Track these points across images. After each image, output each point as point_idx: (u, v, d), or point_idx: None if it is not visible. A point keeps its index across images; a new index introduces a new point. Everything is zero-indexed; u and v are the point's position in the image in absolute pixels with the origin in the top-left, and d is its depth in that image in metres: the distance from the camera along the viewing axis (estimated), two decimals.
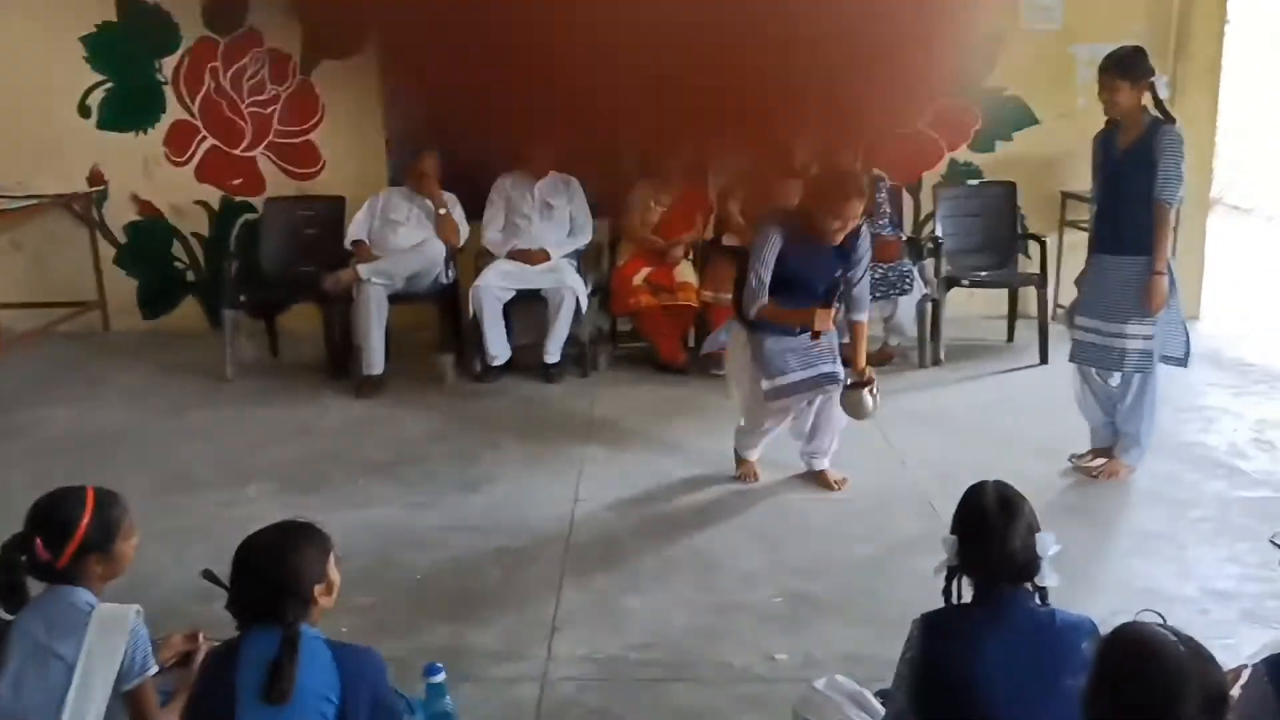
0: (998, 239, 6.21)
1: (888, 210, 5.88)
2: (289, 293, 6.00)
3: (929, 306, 5.76)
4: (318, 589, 2.09)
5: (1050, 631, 2.09)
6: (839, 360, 4.01)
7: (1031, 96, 6.45)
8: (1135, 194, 3.92)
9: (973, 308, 6.37)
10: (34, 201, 6.33)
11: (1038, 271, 5.97)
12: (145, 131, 6.57)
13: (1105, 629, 2.14)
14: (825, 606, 3.30)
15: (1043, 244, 6.04)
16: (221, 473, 4.45)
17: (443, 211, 5.78)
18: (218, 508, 4.07)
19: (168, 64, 6.49)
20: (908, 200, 6.42)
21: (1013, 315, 6.21)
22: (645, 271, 5.72)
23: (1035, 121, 6.48)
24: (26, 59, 6.40)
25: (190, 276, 6.78)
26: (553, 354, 5.62)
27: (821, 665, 2.92)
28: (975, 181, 6.45)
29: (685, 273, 5.73)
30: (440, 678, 2.62)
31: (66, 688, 2.16)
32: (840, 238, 3.84)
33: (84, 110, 6.53)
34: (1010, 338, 6.17)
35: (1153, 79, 3.91)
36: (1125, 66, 3.91)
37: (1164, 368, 4.14)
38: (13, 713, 2.16)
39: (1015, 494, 2.18)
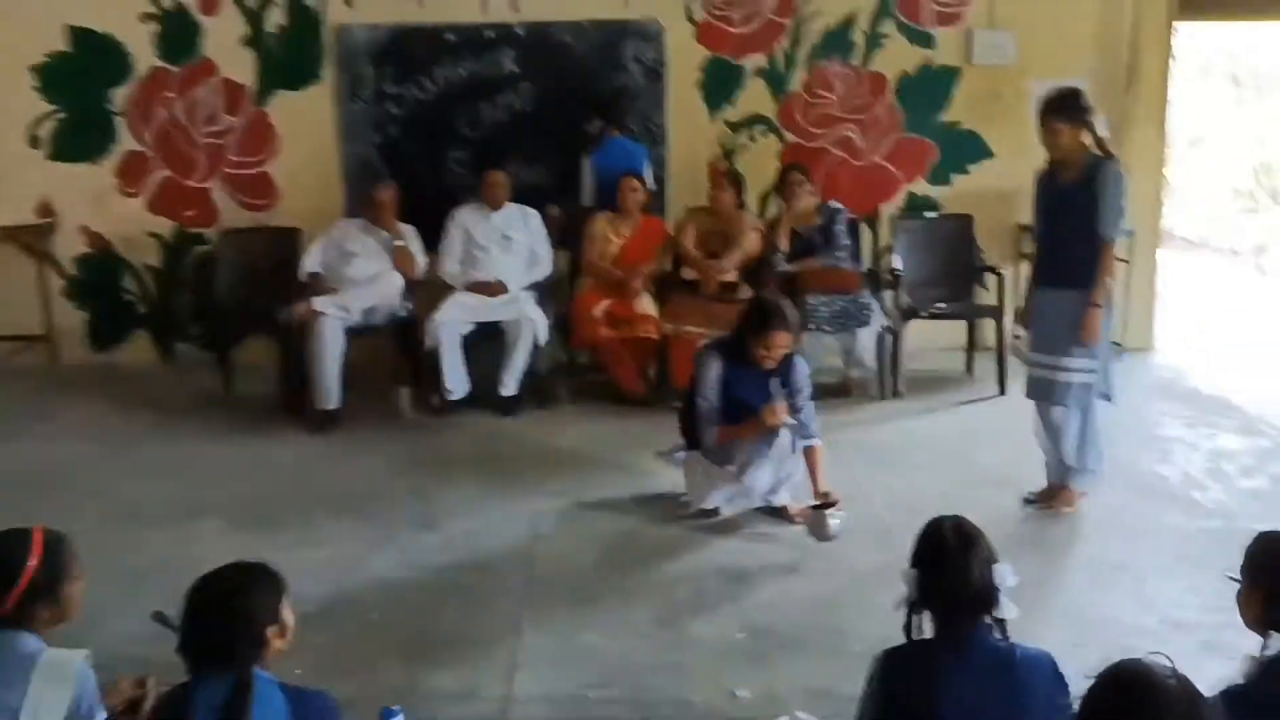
0: (955, 271, 6.27)
1: (846, 243, 5.92)
2: (243, 326, 5.92)
3: (888, 338, 5.79)
4: (271, 631, 2.04)
5: (1010, 665, 2.10)
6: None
7: (987, 131, 6.56)
8: (1077, 229, 3.97)
9: (931, 339, 6.42)
10: None
11: (995, 303, 6.03)
12: (96, 162, 6.48)
13: (1065, 662, 2.15)
14: (787, 641, 3.27)
15: (1000, 276, 6.11)
16: (172, 510, 4.35)
17: (400, 243, 5.73)
18: (169, 547, 3.97)
19: (120, 94, 6.42)
20: (866, 233, 6.48)
21: (971, 347, 6.27)
22: (605, 304, 5.71)
23: (990, 155, 6.58)
24: None
25: (142, 309, 6.67)
26: (511, 387, 5.58)
27: (784, 701, 2.90)
28: (932, 214, 6.53)
29: (645, 305, 5.72)
30: None
31: None
32: (771, 364, 4.00)
33: (33, 141, 6.43)
34: (969, 369, 6.22)
35: (1091, 118, 3.97)
36: (1064, 108, 3.97)
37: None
38: None
39: (972, 527, 2.20)
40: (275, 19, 6.36)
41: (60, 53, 6.36)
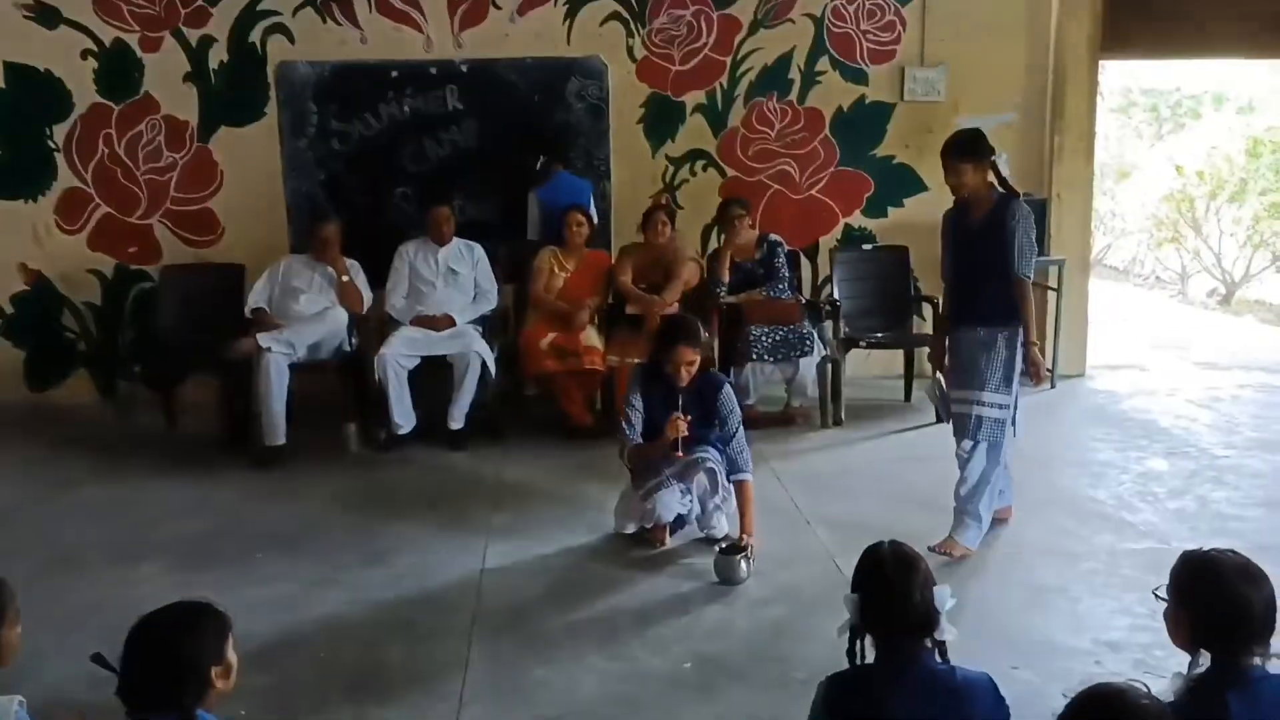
0: (892, 301, 6.41)
1: (786, 274, 6.04)
2: (186, 362, 5.86)
3: (829, 367, 5.89)
4: (215, 671, 2.02)
5: (952, 688, 2.14)
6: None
7: (920, 164, 6.74)
8: (987, 267, 3.99)
9: (870, 368, 6.56)
10: None
11: (931, 333, 6.15)
12: (35, 199, 6.41)
13: (1004, 683, 2.21)
14: (734, 670, 3.30)
15: (935, 306, 6.24)
16: (112, 551, 4.29)
17: (345, 279, 5.73)
18: (108, 589, 3.91)
19: (59, 131, 6.36)
20: (805, 264, 6.61)
21: (909, 375, 6.39)
22: (551, 336, 5.74)
23: (925, 188, 6.75)
24: None
25: (82, 347, 6.58)
26: (458, 420, 5.58)
27: None
28: (869, 246, 6.67)
29: (591, 337, 5.77)
30: None
31: None
32: (683, 381, 4.05)
33: None
34: (907, 397, 6.34)
35: (993, 158, 4.00)
36: (966, 150, 3.99)
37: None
38: None
39: (911, 550, 2.25)
40: (218, 55, 6.35)
41: None
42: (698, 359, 4.10)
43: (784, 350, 5.76)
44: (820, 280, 6.67)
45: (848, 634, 2.24)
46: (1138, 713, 1.72)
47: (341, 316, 5.66)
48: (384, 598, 3.85)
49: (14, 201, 6.41)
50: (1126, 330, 8.72)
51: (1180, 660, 2.18)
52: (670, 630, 3.58)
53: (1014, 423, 4.15)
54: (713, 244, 6.52)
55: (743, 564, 3.91)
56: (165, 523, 4.60)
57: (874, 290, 6.43)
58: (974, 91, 6.70)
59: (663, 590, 3.90)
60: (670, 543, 4.26)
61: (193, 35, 6.33)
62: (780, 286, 5.98)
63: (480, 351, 5.56)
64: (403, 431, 5.57)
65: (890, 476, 5.08)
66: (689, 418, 4.03)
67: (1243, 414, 6.14)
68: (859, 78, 6.66)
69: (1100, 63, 6.85)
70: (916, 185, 6.77)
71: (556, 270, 5.97)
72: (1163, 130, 13.73)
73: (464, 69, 6.43)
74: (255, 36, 6.35)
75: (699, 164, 6.68)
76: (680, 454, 4.04)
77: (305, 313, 5.63)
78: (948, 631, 2.18)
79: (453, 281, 5.85)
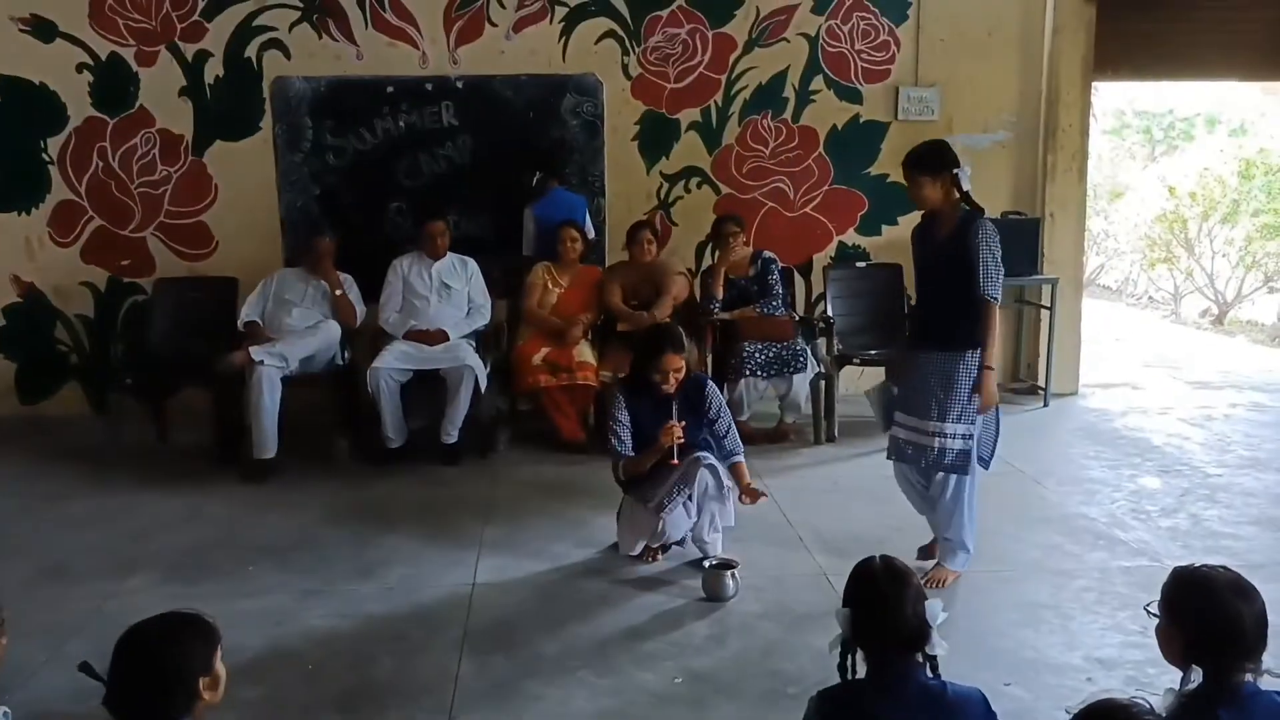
0: (885, 319, 6.42)
1: (780, 291, 6.05)
2: (178, 375, 5.83)
3: (822, 384, 5.90)
4: (203, 683, 2.00)
5: (943, 703, 2.13)
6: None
7: None
8: (949, 288, 3.81)
9: (863, 385, 6.53)
10: None
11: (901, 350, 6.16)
12: (28, 212, 6.41)
13: (995, 699, 2.21)
14: (725, 686, 3.29)
15: None
16: (102, 563, 4.27)
17: (339, 293, 5.73)
18: (97, 600, 3.89)
19: (54, 143, 6.36)
20: (799, 281, 6.62)
21: None
22: (544, 351, 5.74)
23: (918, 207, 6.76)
24: None
25: (74, 359, 6.57)
26: (451, 435, 5.57)
27: None
28: (863, 264, 6.69)
29: (584, 352, 5.77)
30: None
31: None
32: (670, 388, 4.04)
33: None
34: None
35: (955, 171, 3.80)
36: (922, 162, 3.85)
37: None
38: None
39: (902, 565, 2.25)
40: (214, 70, 6.37)
41: None
42: (684, 365, 4.09)
43: (777, 367, 5.77)
44: (814, 297, 6.68)
45: (839, 648, 2.23)
46: None
47: (334, 330, 5.66)
48: (375, 611, 3.84)
49: (7, 214, 6.41)
50: (1119, 349, 8.75)
51: (1172, 677, 2.18)
52: (661, 645, 3.57)
53: (988, 455, 4.02)
54: (707, 261, 6.54)
55: (730, 581, 3.91)
56: (156, 535, 4.59)
57: (867, 308, 6.45)
58: (968, 111, 6.75)
59: (654, 606, 3.89)
60: (662, 559, 4.25)
61: (188, 50, 6.34)
62: (774, 303, 6.00)
63: (473, 366, 5.56)
64: (394, 445, 5.56)
65: (882, 493, 5.05)
66: (684, 424, 4.02)
67: (1235, 433, 6.16)
68: (853, 97, 6.69)
69: (1094, 85, 6.89)
70: (910, 204, 6.68)
71: (550, 286, 5.98)
72: (1156, 152, 13.82)
73: (459, 85, 6.46)
74: (251, 51, 6.36)
75: (693, 181, 6.70)
76: (676, 461, 4.01)
77: (298, 326, 5.63)
78: (939, 646, 2.18)
79: (446, 296, 5.85)
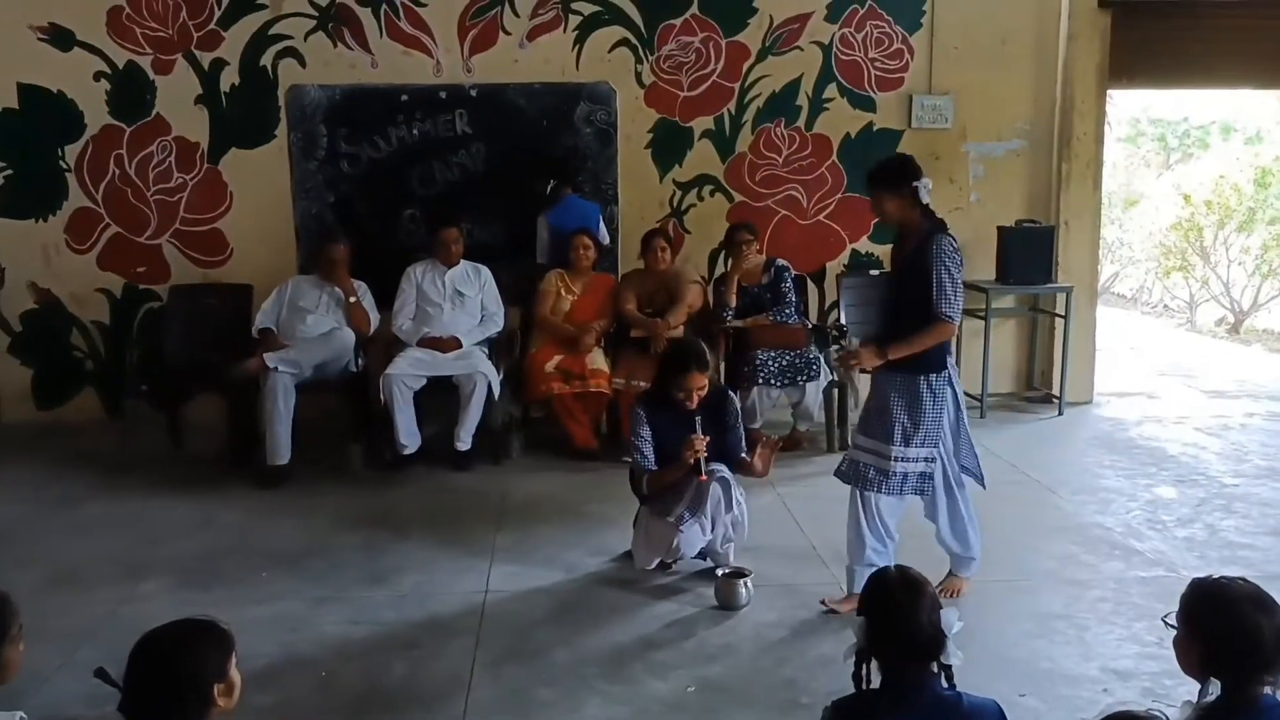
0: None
1: (793, 299, 6.04)
2: (193, 382, 5.86)
3: (835, 392, 5.88)
4: (218, 689, 2.00)
5: (958, 715, 2.12)
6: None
7: None
8: (913, 306, 3.71)
9: None
10: None
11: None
12: (45, 219, 6.45)
13: (1011, 710, 2.20)
14: (738, 695, 3.28)
15: None
16: (116, 569, 4.28)
17: (353, 299, 5.75)
18: (111, 606, 3.91)
19: (71, 151, 6.40)
20: (812, 289, 6.61)
21: None
22: (557, 358, 5.75)
23: None
24: None
25: (89, 366, 6.61)
26: (464, 442, 5.58)
27: None
28: (876, 272, 6.67)
29: (597, 359, 5.77)
30: None
31: None
32: (692, 404, 4.03)
33: None
34: None
35: (916, 184, 3.69)
36: (878, 179, 3.78)
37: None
38: None
39: (917, 574, 2.24)
40: (229, 78, 6.40)
41: (10, 110, 6.35)
42: (708, 383, 4.09)
43: (790, 375, 5.76)
44: (827, 305, 6.67)
45: (853, 658, 2.22)
46: None
47: (348, 337, 5.68)
48: (387, 618, 3.84)
49: (25, 221, 6.45)
50: (1134, 358, 8.71)
51: (1190, 689, 2.16)
52: (674, 654, 3.57)
53: (974, 467, 3.89)
54: (719, 269, 6.53)
55: (743, 589, 3.90)
56: (170, 541, 4.60)
57: (881, 316, 6.41)
58: (981, 119, 6.74)
59: (667, 614, 3.89)
60: (675, 568, 4.24)
61: (205, 58, 6.38)
62: (787, 311, 5.99)
63: (486, 373, 5.57)
64: (408, 452, 5.56)
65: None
66: (708, 439, 4.01)
67: (1251, 442, 6.12)
68: (867, 105, 6.69)
69: (1109, 92, 6.87)
70: None
71: (563, 293, 5.99)
72: (1171, 160, 13.76)
73: (473, 93, 6.48)
74: (267, 60, 6.40)
75: (706, 189, 6.71)
76: (704, 477, 4.00)
77: (312, 333, 5.64)
78: (954, 655, 2.16)
79: (460, 303, 5.87)
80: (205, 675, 1.99)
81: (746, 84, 6.62)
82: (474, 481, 5.44)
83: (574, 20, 6.47)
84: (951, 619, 2.17)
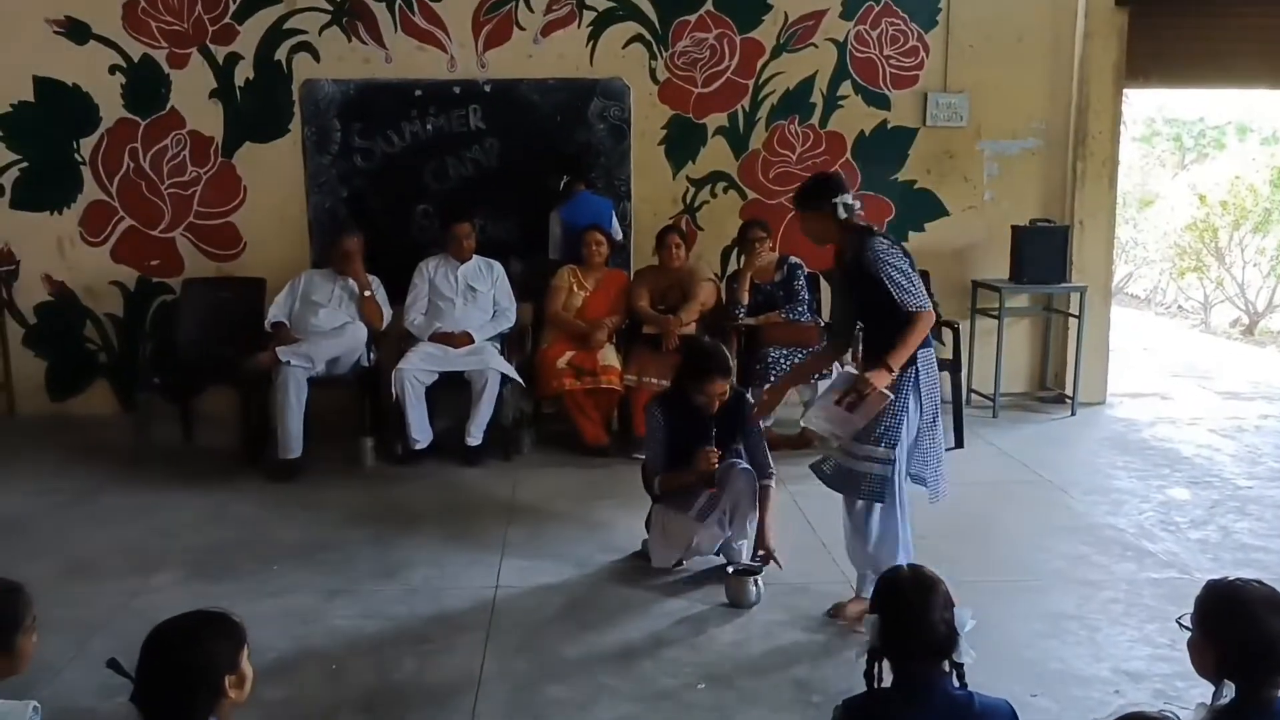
0: None
1: (806, 297, 6.03)
2: (205, 375, 5.88)
3: None
4: (229, 681, 2.00)
5: (969, 714, 2.11)
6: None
7: (941, 189, 6.74)
8: (874, 308, 3.69)
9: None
10: None
11: (950, 357, 6.13)
12: (60, 212, 6.47)
13: (1022, 711, 2.19)
14: (748, 693, 3.28)
15: (955, 330, 6.22)
16: (128, 561, 4.30)
17: (368, 293, 5.76)
18: (123, 598, 3.92)
19: (86, 144, 6.43)
20: (825, 287, 6.58)
21: None
22: (569, 355, 5.75)
23: (946, 213, 6.75)
24: None
25: (103, 358, 6.63)
26: (475, 437, 5.58)
27: None
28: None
29: (608, 356, 5.77)
30: None
31: None
32: (713, 410, 4.02)
33: None
34: None
35: (836, 200, 3.66)
36: (799, 198, 3.84)
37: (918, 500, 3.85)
38: None
39: (931, 572, 2.23)
40: (244, 73, 6.42)
41: (25, 103, 6.37)
42: (728, 389, 4.09)
43: None
44: None
45: (865, 656, 2.22)
46: None
47: (360, 331, 5.69)
48: (398, 612, 3.85)
49: (40, 213, 6.47)
50: (1148, 359, 8.66)
51: (1202, 691, 2.15)
52: (684, 651, 3.56)
53: (930, 478, 3.75)
54: (732, 266, 6.52)
55: (753, 587, 3.89)
56: (182, 533, 4.62)
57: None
58: (997, 117, 6.71)
59: (677, 611, 3.88)
60: (686, 564, 4.24)
61: (219, 52, 6.39)
62: (799, 309, 5.98)
63: (499, 368, 5.57)
64: (419, 447, 5.57)
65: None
66: (720, 453, 4.02)
67: (1266, 444, 6.08)
68: (881, 102, 6.67)
69: (1124, 91, 6.83)
70: (937, 210, 6.77)
71: (575, 289, 5.99)
72: (1186, 160, 13.69)
73: (487, 89, 6.47)
74: (281, 54, 6.41)
75: (720, 186, 6.69)
76: (715, 489, 4.02)
77: (324, 327, 5.65)
78: (967, 654, 2.16)
79: (472, 299, 5.87)
80: (217, 666, 1.99)
81: (760, 81, 6.61)
82: (485, 477, 5.45)
83: (588, 16, 6.47)
84: (964, 617, 2.16)
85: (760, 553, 4.04)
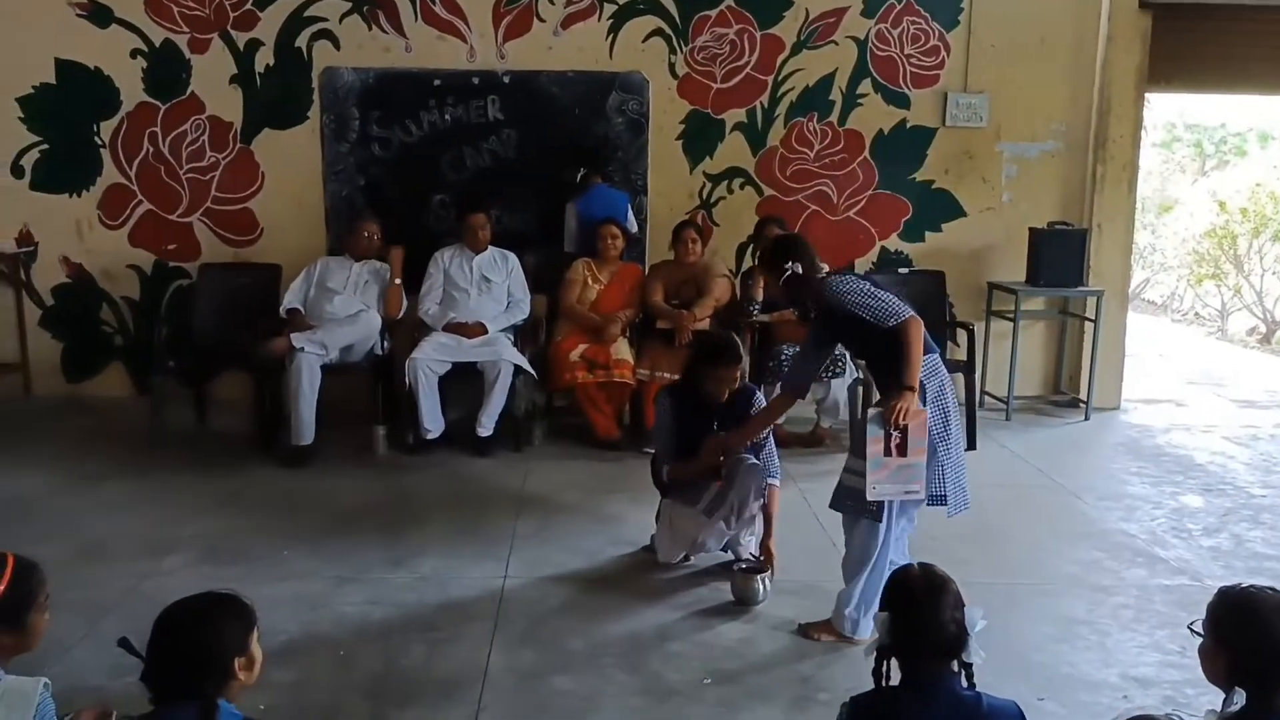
0: (927, 325, 6.30)
1: None
2: (220, 360, 5.90)
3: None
4: (238, 663, 2.02)
5: (978, 715, 2.10)
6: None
7: (959, 190, 6.72)
8: (859, 350, 3.89)
9: None
10: None
11: (965, 359, 6.11)
12: (79, 194, 6.51)
13: (1030, 713, 2.18)
14: (754, 689, 3.27)
15: (970, 332, 6.20)
16: (140, 544, 4.32)
17: (398, 281, 5.78)
18: (133, 580, 3.94)
19: (106, 127, 6.45)
20: None
21: None
22: (582, 347, 5.75)
23: (963, 214, 6.73)
24: None
25: (118, 341, 6.67)
26: (486, 428, 5.59)
27: None
28: (905, 270, 6.63)
29: (621, 350, 5.77)
30: None
31: None
32: (723, 397, 4.02)
33: (17, 170, 6.45)
34: None
35: (787, 266, 3.66)
36: (762, 262, 4.02)
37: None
38: None
39: (941, 572, 2.22)
40: (264, 59, 6.43)
41: (47, 85, 6.41)
42: (739, 377, 4.08)
43: None
44: None
45: (874, 654, 2.21)
46: None
47: (374, 319, 5.70)
48: (406, 600, 3.85)
49: (59, 195, 6.51)
50: (1163, 365, 8.62)
51: (1212, 698, 2.14)
52: (691, 646, 3.56)
53: (943, 493, 3.56)
54: (747, 262, 6.52)
55: (760, 585, 3.88)
56: (193, 517, 4.64)
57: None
58: (1017, 119, 6.68)
59: (684, 606, 3.88)
60: (694, 560, 4.24)
61: (240, 38, 6.41)
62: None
63: (512, 359, 5.57)
64: (431, 436, 5.58)
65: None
66: (724, 440, 4.00)
67: None
68: (901, 101, 6.64)
69: (1146, 95, 6.79)
70: (955, 211, 6.74)
71: (590, 282, 5.99)
72: (1206, 166, 13.60)
73: (506, 80, 6.48)
74: (302, 41, 6.42)
75: (736, 182, 6.68)
76: (721, 482, 4.00)
77: (339, 314, 5.67)
78: (976, 654, 2.15)
79: (486, 289, 5.87)
80: (227, 648, 2.01)
81: (780, 77, 6.59)
82: (496, 468, 5.45)
83: (608, 9, 6.46)
84: (975, 617, 2.15)
85: (761, 557, 4.03)
